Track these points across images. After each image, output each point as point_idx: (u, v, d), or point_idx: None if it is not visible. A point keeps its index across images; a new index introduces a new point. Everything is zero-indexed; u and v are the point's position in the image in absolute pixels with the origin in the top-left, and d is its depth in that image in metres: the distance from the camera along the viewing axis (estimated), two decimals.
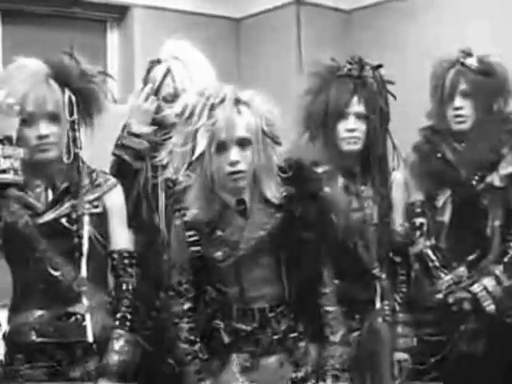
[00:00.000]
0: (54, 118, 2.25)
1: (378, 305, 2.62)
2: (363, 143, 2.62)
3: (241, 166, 2.16)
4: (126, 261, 2.38)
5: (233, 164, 2.15)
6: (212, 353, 2.28)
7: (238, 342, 2.26)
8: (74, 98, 2.30)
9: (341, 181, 2.64)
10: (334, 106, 2.61)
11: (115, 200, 2.40)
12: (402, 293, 2.67)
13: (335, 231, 2.53)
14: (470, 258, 2.64)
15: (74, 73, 2.32)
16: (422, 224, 2.73)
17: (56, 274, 2.24)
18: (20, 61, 2.30)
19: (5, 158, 2.10)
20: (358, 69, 2.67)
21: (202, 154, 2.16)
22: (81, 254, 2.27)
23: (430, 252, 2.70)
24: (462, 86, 2.68)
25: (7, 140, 2.11)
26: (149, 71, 2.74)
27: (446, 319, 2.64)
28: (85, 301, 2.27)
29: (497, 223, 2.66)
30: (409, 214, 2.74)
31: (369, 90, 2.64)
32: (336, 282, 2.52)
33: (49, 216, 2.26)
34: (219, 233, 2.25)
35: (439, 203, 2.72)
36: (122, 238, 2.40)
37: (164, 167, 2.62)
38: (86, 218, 2.29)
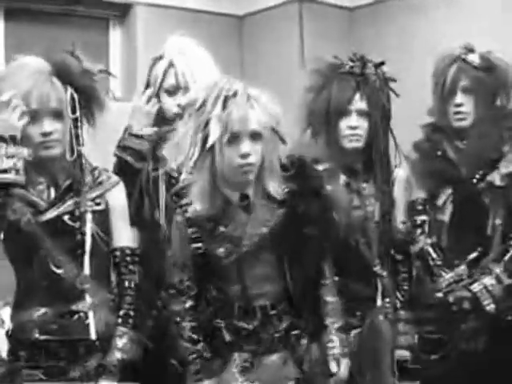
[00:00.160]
0: (57, 115, 2.25)
1: (379, 302, 2.62)
2: (365, 140, 2.62)
3: (251, 159, 2.17)
4: (129, 258, 2.38)
5: (244, 156, 2.16)
6: (214, 352, 2.28)
7: (240, 341, 2.26)
8: (76, 95, 2.30)
9: (342, 178, 2.64)
10: (336, 104, 2.61)
11: (117, 198, 2.41)
12: (403, 290, 2.67)
13: (337, 228, 2.54)
14: (471, 256, 2.64)
15: (75, 71, 2.32)
16: (423, 222, 2.73)
17: (59, 271, 2.25)
18: (21, 59, 2.31)
19: (8, 157, 2.10)
20: (360, 66, 2.67)
21: (212, 145, 2.17)
22: (83, 252, 2.27)
23: (430, 250, 2.69)
24: (463, 83, 2.66)
25: (11, 139, 2.11)
26: (151, 68, 2.74)
27: (446, 318, 2.64)
28: (88, 298, 2.27)
29: (497, 222, 2.65)
30: (410, 212, 2.74)
31: (371, 87, 2.64)
32: (337, 278, 2.53)
33: (51, 214, 2.27)
34: (222, 229, 2.25)
35: (440, 202, 2.71)
36: (124, 236, 2.40)
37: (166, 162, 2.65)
38: (89, 216, 2.29)
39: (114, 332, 2.28)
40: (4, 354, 2.37)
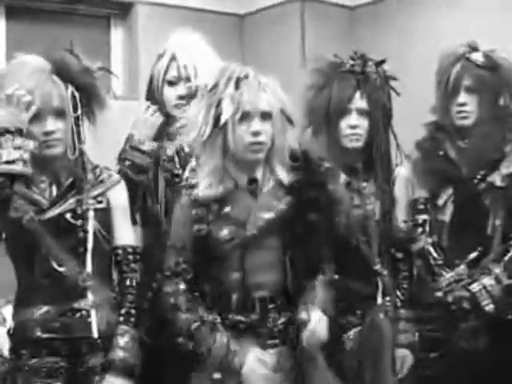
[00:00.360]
0: (59, 113, 2.26)
1: (379, 300, 2.62)
2: (365, 139, 2.62)
3: (262, 138, 2.22)
4: (130, 256, 2.38)
5: (255, 134, 2.21)
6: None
7: (237, 336, 2.24)
8: (76, 93, 2.30)
9: (343, 177, 2.64)
10: (337, 102, 2.61)
11: (119, 196, 2.41)
12: (403, 289, 2.67)
13: (338, 225, 2.54)
14: (471, 256, 2.64)
15: (75, 69, 2.32)
16: (424, 221, 2.72)
17: (61, 269, 2.25)
18: (22, 57, 2.31)
19: (14, 149, 2.11)
20: (360, 64, 2.67)
21: (224, 124, 2.21)
22: (85, 250, 2.28)
23: (431, 249, 2.69)
24: (467, 82, 2.66)
25: (17, 132, 2.12)
26: (155, 63, 2.77)
27: (445, 317, 2.64)
28: (90, 296, 2.27)
29: (498, 222, 2.64)
30: (412, 211, 2.74)
31: (371, 86, 2.64)
32: (337, 277, 2.53)
33: (53, 212, 2.27)
34: (227, 210, 2.25)
35: (441, 201, 2.71)
36: (125, 234, 2.41)
37: (171, 160, 2.66)
38: (91, 214, 2.29)
39: (115, 330, 2.28)
40: (6, 353, 2.38)
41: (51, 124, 2.23)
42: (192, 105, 2.45)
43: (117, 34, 4.59)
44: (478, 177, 2.66)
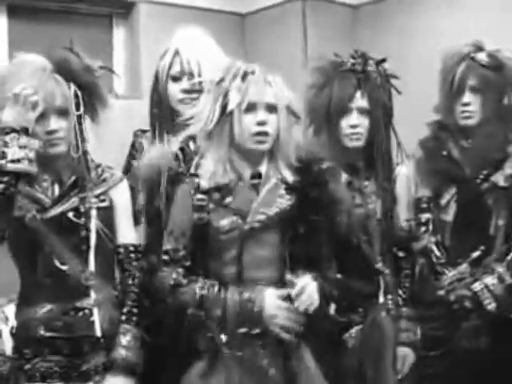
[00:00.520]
0: (62, 112, 2.26)
1: (381, 299, 2.62)
2: (366, 138, 2.62)
3: (267, 128, 2.24)
4: (132, 255, 2.39)
5: (260, 124, 2.23)
6: (202, 349, 2.24)
7: (231, 338, 2.21)
8: (79, 92, 2.30)
9: (344, 177, 2.64)
10: (337, 101, 2.61)
11: (121, 195, 2.41)
12: (405, 287, 2.67)
13: (340, 224, 2.54)
14: (474, 255, 2.64)
15: (76, 67, 2.32)
16: (427, 220, 2.73)
17: (64, 268, 2.25)
18: (23, 56, 2.31)
19: (20, 148, 2.11)
20: (361, 63, 2.67)
21: (231, 113, 2.25)
22: (88, 248, 2.28)
23: (434, 248, 2.69)
24: (472, 82, 2.65)
25: (23, 131, 2.12)
26: (160, 60, 2.78)
27: (447, 316, 2.64)
28: (93, 295, 2.27)
29: (500, 222, 2.64)
30: (415, 210, 2.74)
31: (372, 85, 2.64)
32: (339, 276, 2.53)
33: (56, 210, 2.27)
34: (229, 200, 2.26)
35: (444, 201, 2.71)
36: (128, 233, 2.41)
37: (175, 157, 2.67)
38: (94, 212, 2.30)
39: (118, 329, 2.28)
40: (8, 352, 2.38)
41: (54, 123, 2.24)
42: (201, 100, 2.46)
43: (119, 33, 4.58)
44: (481, 177, 2.66)
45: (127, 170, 2.80)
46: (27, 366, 2.25)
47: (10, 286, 2.48)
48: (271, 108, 2.26)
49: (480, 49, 2.70)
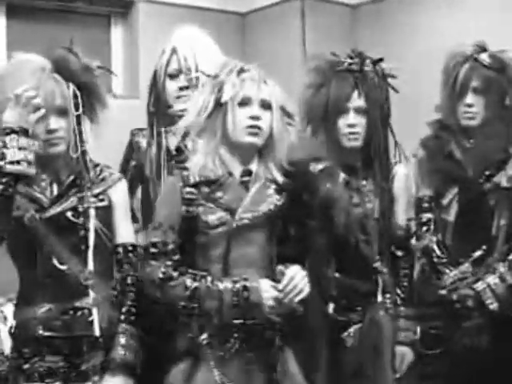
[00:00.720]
0: (62, 112, 2.26)
1: (379, 298, 2.62)
2: (364, 138, 2.62)
3: (260, 123, 2.24)
4: (131, 254, 2.38)
5: (254, 118, 2.23)
6: (186, 350, 2.23)
7: (213, 338, 2.21)
8: (78, 92, 2.30)
9: (342, 176, 2.64)
10: (335, 101, 2.60)
11: (120, 194, 2.41)
12: (403, 287, 2.67)
13: (335, 226, 2.54)
14: (475, 254, 2.64)
15: (75, 67, 2.32)
16: (429, 219, 2.73)
17: (62, 267, 2.25)
18: (22, 56, 2.31)
19: (19, 149, 2.10)
20: (358, 63, 2.67)
21: (225, 105, 2.23)
22: (87, 248, 2.28)
23: (435, 247, 2.69)
24: (475, 83, 2.65)
25: (22, 132, 2.11)
26: (158, 59, 2.79)
27: (449, 315, 2.64)
28: (91, 294, 2.27)
29: (502, 222, 2.65)
30: (416, 209, 2.74)
31: (369, 85, 2.63)
32: (338, 275, 2.54)
33: (54, 210, 2.27)
34: (219, 194, 2.24)
35: (446, 201, 2.71)
36: (126, 232, 2.41)
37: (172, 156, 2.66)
38: (92, 212, 2.29)
39: (116, 329, 2.28)
40: (7, 351, 2.38)
41: (54, 122, 2.23)
42: (195, 94, 2.46)
43: (117, 33, 4.58)
44: (483, 177, 2.66)
45: (124, 169, 2.80)
46: (26, 366, 2.25)
47: (9, 286, 2.48)
48: (266, 105, 2.25)
49: (483, 49, 2.70)
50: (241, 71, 2.27)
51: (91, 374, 2.26)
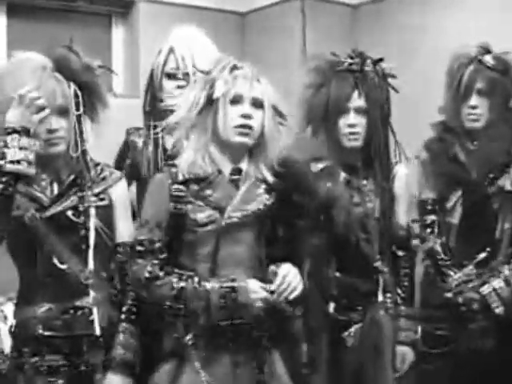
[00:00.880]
0: (63, 111, 2.26)
1: (380, 297, 2.63)
2: (364, 138, 2.62)
3: (251, 122, 2.21)
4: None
5: (245, 116, 2.20)
6: (170, 351, 2.22)
7: (199, 339, 2.19)
8: (79, 91, 2.30)
9: (343, 176, 2.64)
10: (335, 101, 2.61)
11: (120, 193, 2.41)
12: (404, 286, 2.67)
13: (338, 223, 2.55)
14: (479, 257, 2.64)
15: (76, 66, 2.32)
16: (433, 221, 2.73)
17: (63, 267, 2.25)
18: (22, 55, 2.30)
19: (20, 148, 2.09)
20: (358, 63, 2.67)
21: (216, 102, 2.21)
22: (87, 247, 2.28)
23: (439, 249, 2.69)
24: (479, 85, 2.64)
25: (24, 132, 2.11)
26: (155, 58, 2.79)
27: (455, 317, 2.64)
28: (92, 294, 2.27)
29: (506, 226, 2.65)
30: (420, 211, 2.74)
31: (369, 85, 2.64)
32: (338, 274, 2.54)
33: (55, 209, 2.27)
34: (208, 192, 2.22)
35: (450, 204, 2.71)
36: (126, 231, 2.40)
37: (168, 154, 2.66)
38: (93, 211, 2.29)
39: (117, 328, 2.28)
40: (7, 350, 2.37)
41: (54, 122, 2.23)
42: (186, 89, 2.45)
43: (118, 32, 4.58)
44: (488, 180, 2.66)
45: (117, 167, 2.79)
46: (26, 365, 2.24)
47: (9, 285, 2.48)
48: (257, 103, 2.23)
49: (487, 51, 2.69)
50: (234, 68, 2.24)
51: (91, 374, 2.26)
